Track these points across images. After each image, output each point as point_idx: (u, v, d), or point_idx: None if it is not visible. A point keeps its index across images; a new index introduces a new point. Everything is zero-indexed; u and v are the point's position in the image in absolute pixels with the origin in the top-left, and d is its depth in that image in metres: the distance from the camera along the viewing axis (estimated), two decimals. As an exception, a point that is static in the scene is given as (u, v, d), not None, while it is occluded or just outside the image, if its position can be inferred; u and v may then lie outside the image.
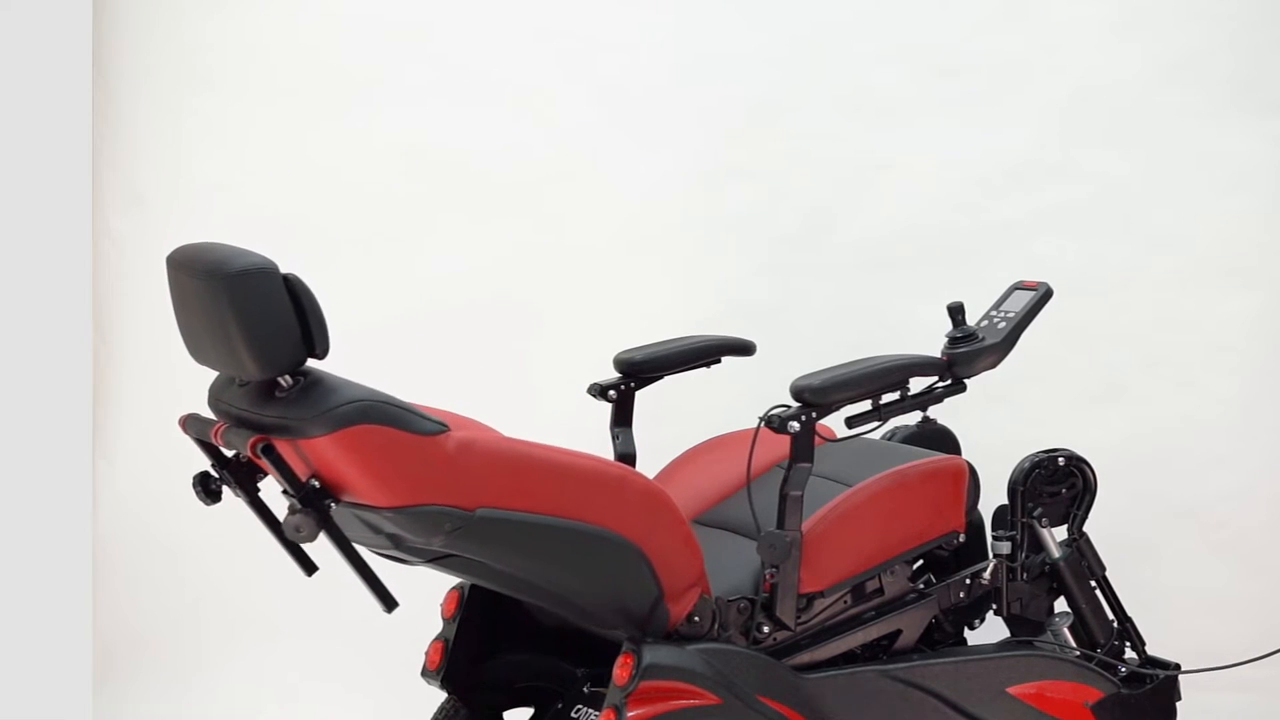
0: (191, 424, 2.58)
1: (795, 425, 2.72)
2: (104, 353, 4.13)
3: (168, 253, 2.50)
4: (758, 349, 3.33)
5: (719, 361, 3.29)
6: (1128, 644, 3.20)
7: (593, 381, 3.15)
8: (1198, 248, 4.03)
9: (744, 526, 2.92)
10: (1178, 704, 3.19)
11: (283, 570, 4.13)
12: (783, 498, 2.73)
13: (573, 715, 2.88)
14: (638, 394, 3.17)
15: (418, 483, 2.41)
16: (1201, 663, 3.23)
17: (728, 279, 4.13)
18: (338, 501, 2.45)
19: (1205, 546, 4.04)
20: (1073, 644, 3.14)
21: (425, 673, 2.86)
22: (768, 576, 2.75)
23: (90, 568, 4.02)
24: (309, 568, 2.62)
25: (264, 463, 2.41)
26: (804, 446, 2.73)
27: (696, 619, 2.70)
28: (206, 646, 4.15)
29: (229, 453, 2.57)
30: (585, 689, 2.89)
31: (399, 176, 4.12)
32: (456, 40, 4.11)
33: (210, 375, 2.63)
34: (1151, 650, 3.22)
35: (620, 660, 2.60)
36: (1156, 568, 3.98)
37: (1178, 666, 3.17)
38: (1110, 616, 3.19)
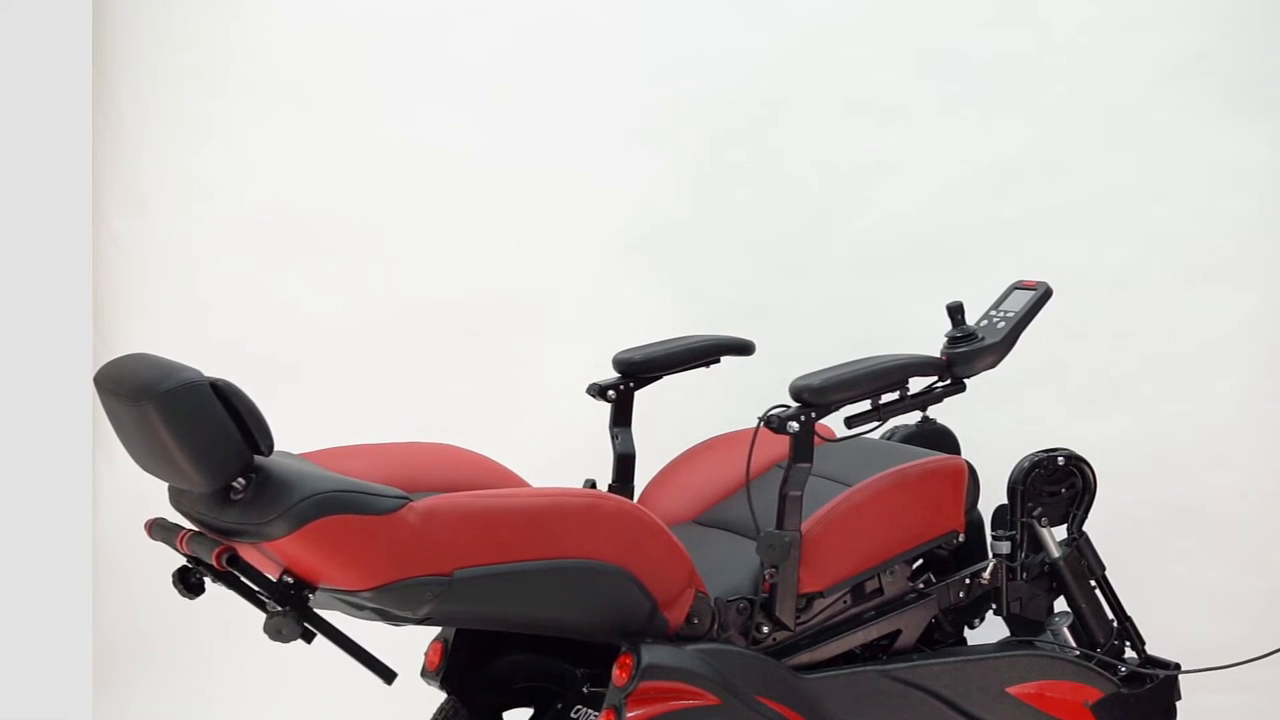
0: (157, 531, 2.59)
1: (795, 425, 2.72)
2: (104, 353, 4.13)
3: (95, 374, 2.48)
4: (757, 349, 3.33)
5: (718, 361, 3.29)
6: (1127, 644, 3.20)
7: (592, 381, 3.15)
8: (1198, 248, 4.03)
9: (743, 527, 2.92)
10: (1177, 703, 3.19)
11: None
12: (782, 498, 2.73)
13: (572, 715, 2.88)
14: (637, 394, 3.17)
15: (389, 561, 2.39)
16: (1202, 663, 3.23)
17: (728, 279, 4.12)
18: (315, 590, 2.44)
19: (1205, 546, 4.04)
20: (1072, 644, 3.14)
21: (425, 673, 2.86)
22: (767, 577, 2.75)
23: (90, 568, 4.02)
24: (308, 637, 2.59)
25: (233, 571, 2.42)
26: (803, 446, 2.73)
27: (695, 620, 2.70)
28: (207, 646, 4.15)
29: None
30: (585, 689, 2.89)
31: (399, 177, 4.12)
32: (456, 41, 4.10)
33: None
34: (1151, 650, 3.22)
35: (619, 661, 2.60)
36: (1156, 568, 3.97)
37: (1177, 666, 3.17)
38: (1110, 616, 3.19)
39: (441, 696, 2.90)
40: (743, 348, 3.31)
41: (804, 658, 2.83)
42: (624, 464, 3.14)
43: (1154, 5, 4.01)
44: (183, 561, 2.58)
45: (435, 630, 2.87)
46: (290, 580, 2.41)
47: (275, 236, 4.12)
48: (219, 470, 2.37)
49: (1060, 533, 3.16)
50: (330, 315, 4.12)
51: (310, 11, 4.12)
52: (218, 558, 2.39)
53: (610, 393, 3.14)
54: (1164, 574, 3.98)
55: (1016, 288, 3.16)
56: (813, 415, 2.75)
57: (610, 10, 4.12)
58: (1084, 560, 3.15)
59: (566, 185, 4.12)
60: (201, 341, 4.08)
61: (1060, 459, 3.14)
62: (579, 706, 2.88)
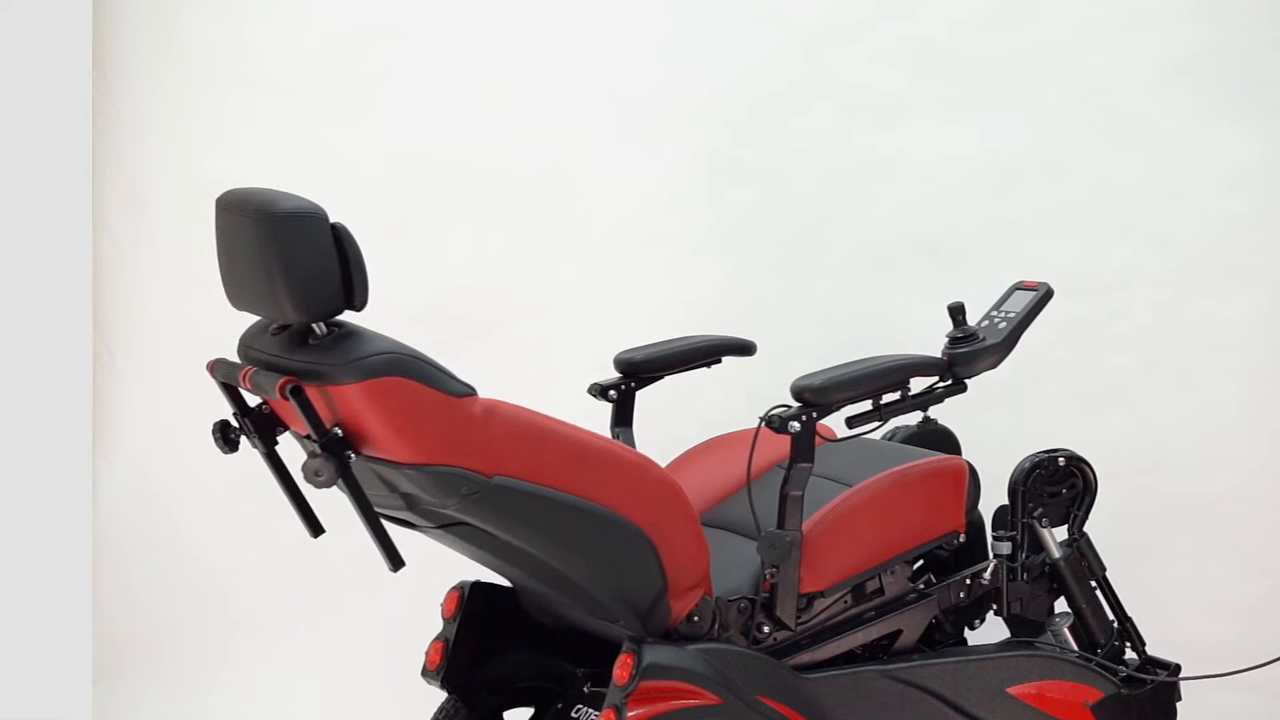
0: (219, 368, 2.58)
1: (796, 425, 2.72)
2: (104, 353, 4.13)
3: (219, 196, 2.51)
4: (758, 349, 3.33)
5: (719, 361, 3.29)
6: (1128, 644, 3.20)
7: (593, 381, 3.15)
8: (1198, 248, 4.03)
9: (744, 526, 2.92)
10: (1178, 704, 3.19)
11: (283, 570, 4.15)
12: (783, 498, 2.73)
13: (573, 715, 2.89)
14: (638, 394, 3.17)
15: (440, 442, 2.42)
16: (1202, 662, 3.23)
17: (728, 279, 4.12)
18: (357, 454, 2.45)
19: (1205, 546, 4.04)
20: (1073, 644, 3.13)
21: (425, 673, 2.86)
22: (768, 576, 2.75)
23: (90, 568, 4.02)
24: (315, 529, 2.63)
25: (290, 406, 2.41)
26: (804, 446, 2.73)
27: (696, 619, 2.70)
28: (207, 646, 4.15)
29: (252, 404, 2.59)
30: (585, 689, 2.89)
31: (399, 177, 4.12)
32: (457, 41, 4.11)
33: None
34: (1152, 650, 3.22)
35: (620, 660, 2.60)
36: (1156, 568, 3.98)
37: (1178, 667, 3.17)
38: (1110, 617, 3.19)
39: (442, 696, 2.90)
40: (744, 348, 3.31)
41: (805, 657, 2.83)
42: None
43: (1154, 5, 4.01)
44: (223, 417, 2.61)
45: (437, 628, 2.87)
46: (340, 434, 2.43)
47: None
48: (312, 304, 2.39)
49: (1061, 533, 3.16)
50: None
51: (310, 12, 4.12)
52: (282, 388, 2.39)
53: (611, 393, 3.15)
54: (1164, 574, 3.98)
55: (1018, 288, 3.16)
56: (814, 415, 2.75)
57: (610, 10, 4.12)
58: (1085, 561, 3.15)
59: (567, 185, 4.12)
60: (201, 341, 4.07)
61: (1061, 459, 3.14)
62: (580, 706, 2.88)
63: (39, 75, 3.88)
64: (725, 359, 3.30)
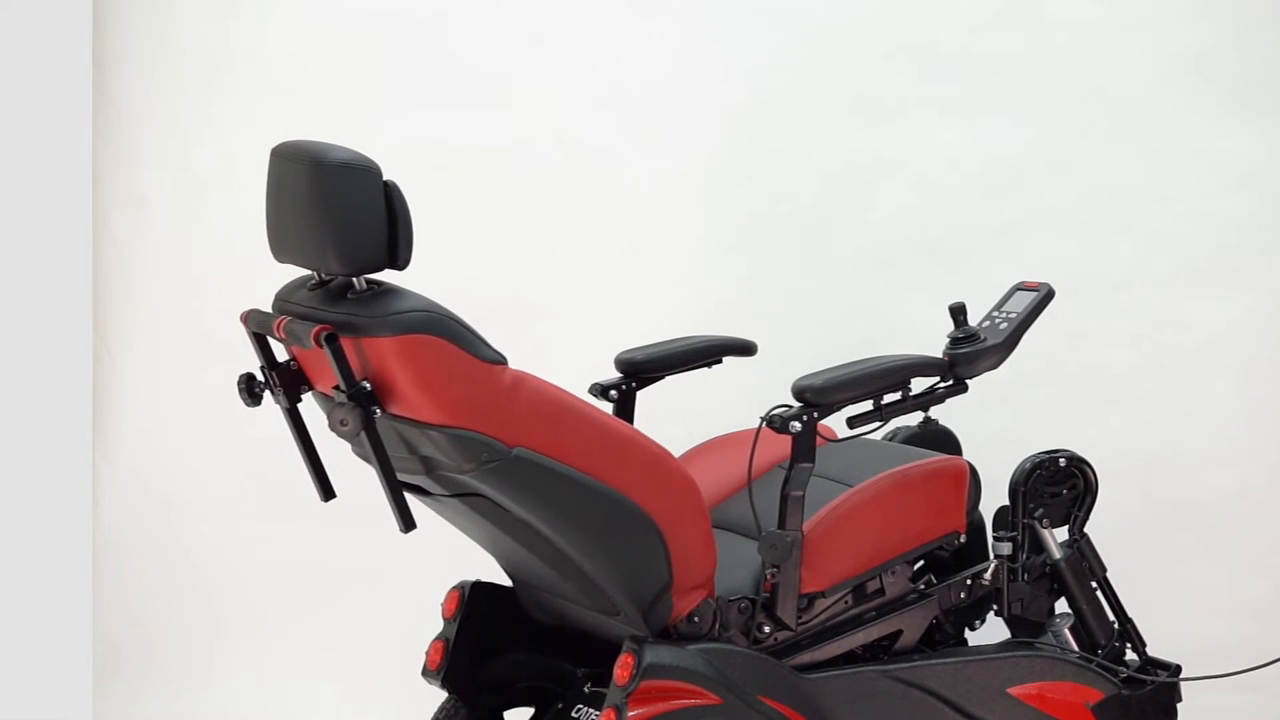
0: (253, 318, 2.59)
1: (797, 425, 2.72)
2: (104, 353, 4.13)
3: (274, 146, 2.52)
4: (759, 349, 3.33)
5: (720, 361, 3.29)
6: (1128, 645, 3.20)
7: (594, 381, 3.15)
8: (1198, 248, 4.03)
9: (745, 526, 2.92)
10: (1178, 704, 3.19)
11: (282, 571, 4.15)
12: (784, 498, 2.73)
13: (573, 715, 2.88)
14: (639, 394, 3.17)
15: (466, 405, 2.43)
16: (1202, 663, 3.23)
17: (728, 279, 4.12)
18: (383, 410, 2.46)
19: (1205, 546, 4.04)
20: (1073, 645, 3.13)
21: (425, 672, 2.86)
22: (769, 576, 2.75)
23: (90, 568, 4.02)
24: (328, 492, 2.64)
25: (319, 359, 2.43)
26: (805, 446, 2.73)
27: (697, 619, 2.70)
28: (206, 646, 4.15)
29: (280, 359, 2.61)
30: (585, 689, 2.89)
31: (399, 177, 4.10)
32: (457, 40, 4.11)
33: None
34: (1152, 651, 3.22)
35: (621, 660, 2.60)
36: (1156, 568, 3.98)
37: (1178, 668, 3.17)
38: (1111, 617, 3.19)
39: (442, 696, 2.90)
40: (744, 348, 3.31)
41: (805, 657, 2.83)
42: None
43: (1154, 5, 4.01)
44: (248, 371, 2.62)
45: (437, 628, 2.87)
46: (368, 387, 2.45)
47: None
48: (357, 256, 2.42)
49: (1062, 534, 3.16)
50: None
51: (310, 11, 4.12)
52: (317, 335, 2.40)
53: (613, 393, 3.15)
54: (1164, 574, 3.98)
55: (1019, 289, 3.16)
56: (815, 415, 2.75)
57: (610, 10, 4.12)
58: (1085, 561, 3.15)
59: (567, 186, 4.12)
60: (201, 341, 4.08)
61: (1062, 460, 3.14)
62: (580, 706, 2.88)
63: (39, 75, 3.88)
64: (726, 359, 3.29)
